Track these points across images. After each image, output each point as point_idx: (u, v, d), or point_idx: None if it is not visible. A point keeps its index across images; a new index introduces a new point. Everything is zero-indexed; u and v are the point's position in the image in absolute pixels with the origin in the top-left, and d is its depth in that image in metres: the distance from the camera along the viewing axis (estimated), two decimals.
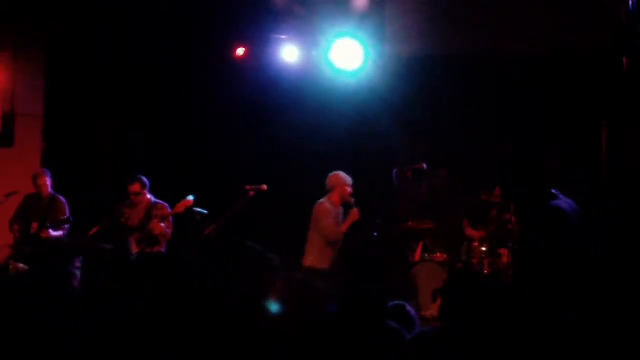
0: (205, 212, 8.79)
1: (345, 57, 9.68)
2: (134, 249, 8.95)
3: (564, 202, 7.54)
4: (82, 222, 9.26)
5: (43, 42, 10.85)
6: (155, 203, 9.13)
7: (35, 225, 9.17)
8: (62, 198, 9.45)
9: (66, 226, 9.20)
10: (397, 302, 4.57)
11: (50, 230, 9.13)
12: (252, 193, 8.78)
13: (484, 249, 8.64)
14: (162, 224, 8.94)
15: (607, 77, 8.11)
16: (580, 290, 7.10)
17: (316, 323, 3.70)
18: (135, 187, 9.10)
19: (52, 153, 10.79)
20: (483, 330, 3.97)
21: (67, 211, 9.35)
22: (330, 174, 8.65)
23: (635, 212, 7.46)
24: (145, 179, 9.18)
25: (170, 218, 9.01)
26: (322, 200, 8.58)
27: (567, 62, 9.03)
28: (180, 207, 8.76)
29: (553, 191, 7.57)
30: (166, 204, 9.12)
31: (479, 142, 9.62)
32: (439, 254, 9.06)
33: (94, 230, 8.80)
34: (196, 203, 8.84)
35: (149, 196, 9.18)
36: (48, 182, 9.40)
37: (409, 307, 4.54)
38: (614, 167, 7.83)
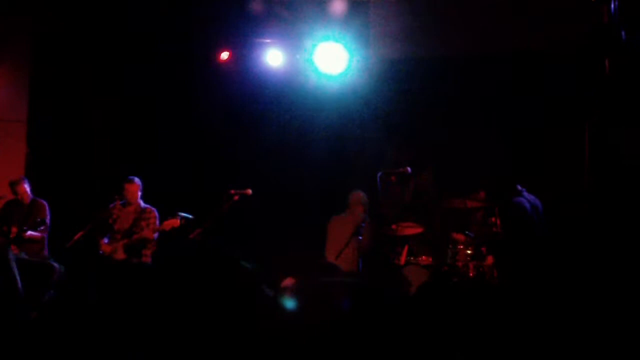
0: (190, 216, 8.79)
1: (330, 60, 9.68)
2: (121, 255, 8.92)
3: (524, 199, 7.58)
4: (66, 227, 9.23)
5: (27, 47, 10.81)
6: (144, 208, 9.14)
7: (14, 229, 9.15)
8: (42, 201, 9.44)
9: (42, 228, 9.14)
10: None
11: (29, 232, 9.12)
12: (236, 197, 8.79)
13: (469, 251, 8.65)
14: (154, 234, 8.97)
15: (591, 76, 8.14)
16: (540, 284, 7.20)
17: (329, 322, 3.71)
18: (133, 188, 9.14)
19: (36, 159, 10.74)
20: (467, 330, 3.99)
21: (48, 213, 9.33)
22: (355, 192, 9.12)
23: (620, 210, 7.48)
24: (140, 182, 9.19)
25: (157, 224, 9.03)
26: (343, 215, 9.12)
27: (552, 62, 9.05)
28: (167, 226, 8.78)
29: (518, 187, 7.61)
30: (154, 209, 9.13)
31: (464, 144, 9.63)
32: (424, 257, 9.06)
33: (78, 235, 8.78)
34: (181, 207, 8.84)
35: (139, 200, 9.19)
36: (27, 188, 9.40)
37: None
38: (598, 166, 7.85)
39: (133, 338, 3.70)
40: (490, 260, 8.46)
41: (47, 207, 9.40)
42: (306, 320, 3.74)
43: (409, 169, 8.82)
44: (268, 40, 10.19)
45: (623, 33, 7.23)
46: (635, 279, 6.74)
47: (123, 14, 10.25)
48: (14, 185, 9.39)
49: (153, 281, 4.38)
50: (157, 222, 9.03)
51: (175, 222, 8.70)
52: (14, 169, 10.40)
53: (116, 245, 8.95)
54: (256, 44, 10.23)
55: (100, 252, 8.98)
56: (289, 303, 3.79)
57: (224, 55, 10.42)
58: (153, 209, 9.14)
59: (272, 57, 10.21)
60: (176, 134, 10.77)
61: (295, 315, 3.79)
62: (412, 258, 9.13)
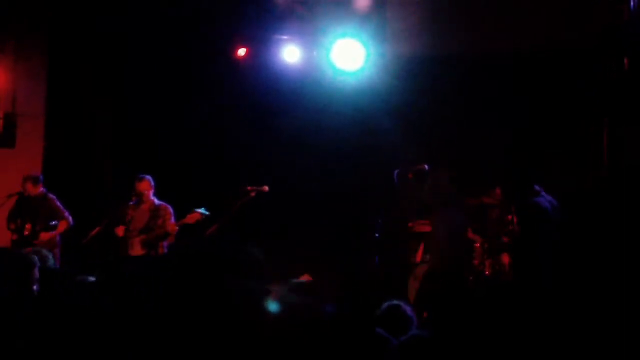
0: (207, 212, 8.79)
1: (347, 57, 9.67)
2: (138, 251, 8.93)
3: (544, 198, 7.56)
4: (82, 223, 9.26)
5: (44, 43, 10.85)
6: (159, 205, 9.14)
7: (29, 226, 9.15)
8: (51, 196, 9.39)
9: (54, 229, 9.15)
10: (392, 303, 4.57)
11: (42, 233, 9.14)
12: (253, 194, 8.79)
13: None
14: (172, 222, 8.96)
15: (608, 75, 8.10)
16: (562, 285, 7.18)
17: (313, 325, 3.68)
18: (144, 186, 9.10)
19: (53, 154, 10.77)
20: (475, 332, 3.96)
21: (58, 208, 9.31)
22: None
23: (635, 210, 7.45)
24: (151, 180, 9.18)
25: (173, 220, 9.02)
26: None
27: (568, 60, 9.02)
28: (191, 219, 8.75)
29: (536, 187, 7.59)
30: (169, 205, 9.12)
31: (480, 142, 9.61)
32: None
33: (95, 230, 8.80)
34: (197, 203, 8.84)
35: (152, 197, 9.17)
36: (32, 187, 9.32)
37: (404, 307, 4.54)
38: (614, 166, 7.83)
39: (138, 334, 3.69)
40: (506, 258, 8.43)
41: (56, 202, 9.36)
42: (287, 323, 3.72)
43: (426, 166, 8.79)
44: (285, 37, 10.19)
45: None
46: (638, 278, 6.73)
47: (140, 11, 10.26)
48: (23, 181, 9.39)
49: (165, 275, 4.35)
50: (173, 218, 9.03)
51: (199, 216, 8.69)
52: (32, 164, 10.44)
53: (132, 242, 8.96)
54: (273, 41, 10.24)
55: (117, 251, 8.97)
56: (273, 306, 3.77)
57: (241, 51, 10.43)
58: (167, 205, 9.13)
59: (289, 54, 10.21)
60: (192, 130, 10.78)
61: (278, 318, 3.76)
62: (428, 256, 9.09)
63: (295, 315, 3.72)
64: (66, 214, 9.33)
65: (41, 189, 9.39)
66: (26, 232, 9.17)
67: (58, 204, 9.36)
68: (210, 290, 3.75)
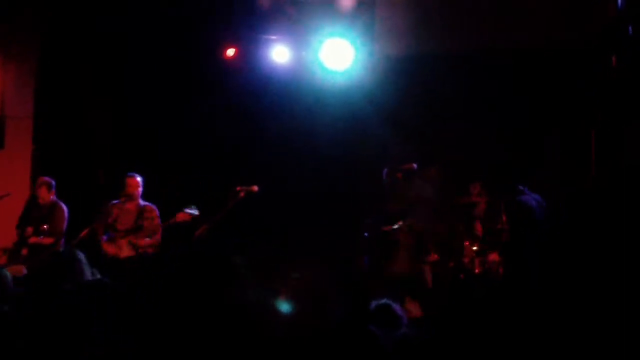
0: (196, 212, 8.77)
1: (335, 57, 9.69)
2: (127, 252, 8.86)
3: (530, 197, 7.60)
4: (72, 224, 9.22)
5: (33, 44, 10.82)
6: (144, 206, 9.08)
7: (30, 229, 9.06)
8: (62, 205, 9.23)
9: (44, 234, 9.06)
10: (382, 302, 4.59)
11: (33, 238, 9.04)
12: (242, 194, 8.78)
13: (475, 248, 8.63)
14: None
15: (598, 74, 8.12)
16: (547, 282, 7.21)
17: (321, 327, 3.69)
18: (135, 184, 9.04)
19: (43, 155, 10.74)
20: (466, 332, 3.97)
21: (65, 218, 9.20)
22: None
23: (625, 209, 7.46)
24: (140, 179, 9.14)
25: (159, 220, 8.98)
26: None
27: (558, 59, 9.03)
28: (178, 219, 8.71)
29: (520, 187, 7.63)
30: (154, 206, 9.08)
31: (469, 141, 9.61)
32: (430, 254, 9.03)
33: (85, 232, 8.75)
34: (186, 204, 8.82)
35: (139, 198, 9.13)
36: (46, 192, 9.22)
37: (394, 306, 4.55)
38: (604, 165, 7.84)
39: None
40: (495, 256, 8.44)
41: (65, 212, 9.20)
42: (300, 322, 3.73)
43: (414, 165, 8.80)
44: (274, 37, 10.20)
45: (630, 28, 7.22)
46: (636, 278, 6.74)
47: (129, 12, 10.25)
48: (35, 186, 9.31)
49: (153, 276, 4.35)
50: (159, 220, 8.98)
51: (187, 217, 8.66)
52: (21, 166, 10.41)
53: (120, 244, 8.90)
54: (262, 41, 10.24)
55: (103, 252, 8.89)
56: (284, 306, 3.77)
57: (230, 51, 10.43)
58: (153, 206, 9.07)
59: (278, 54, 10.21)
60: (181, 130, 10.76)
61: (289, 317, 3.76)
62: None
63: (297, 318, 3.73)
64: (63, 233, 9.19)
65: (53, 196, 9.28)
66: (26, 234, 9.08)
67: (64, 219, 9.18)
68: (214, 294, 3.75)
